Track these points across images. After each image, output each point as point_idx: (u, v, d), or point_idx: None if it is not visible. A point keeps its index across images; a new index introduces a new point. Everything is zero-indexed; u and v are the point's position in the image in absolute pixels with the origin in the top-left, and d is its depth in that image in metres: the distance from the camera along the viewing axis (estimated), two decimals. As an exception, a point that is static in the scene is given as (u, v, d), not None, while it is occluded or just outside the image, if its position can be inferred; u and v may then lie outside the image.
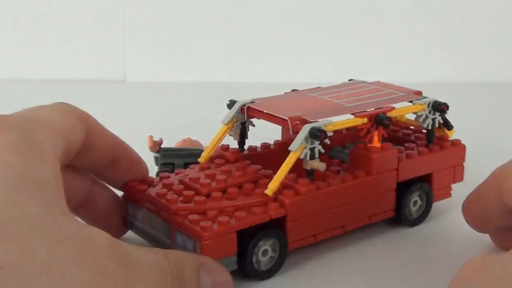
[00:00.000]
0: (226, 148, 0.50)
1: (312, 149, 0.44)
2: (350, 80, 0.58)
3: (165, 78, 1.00)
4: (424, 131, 0.56)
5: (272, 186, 0.43)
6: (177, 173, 0.48)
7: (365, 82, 0.56)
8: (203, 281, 0.38)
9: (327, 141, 0.44)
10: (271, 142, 0.53)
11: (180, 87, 0.97)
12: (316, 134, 0.44)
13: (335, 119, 0.46)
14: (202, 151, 0.58)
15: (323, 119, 0.45)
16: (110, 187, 0.47)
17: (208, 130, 0.71)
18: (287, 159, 0.44)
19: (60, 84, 0.96)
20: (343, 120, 0.46)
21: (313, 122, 0.45)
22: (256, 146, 0.52)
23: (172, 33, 1.01)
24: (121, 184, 0.47)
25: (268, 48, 1.02)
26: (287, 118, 0.45)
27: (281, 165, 0.52)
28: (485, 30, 1.02)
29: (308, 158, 0.44)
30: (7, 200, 0.31)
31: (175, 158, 0.57)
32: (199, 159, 0.49)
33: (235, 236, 0.41)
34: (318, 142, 0.44)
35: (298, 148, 0.44)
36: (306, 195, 0.44)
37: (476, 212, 0.45)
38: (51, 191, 0.33)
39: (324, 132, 0.44)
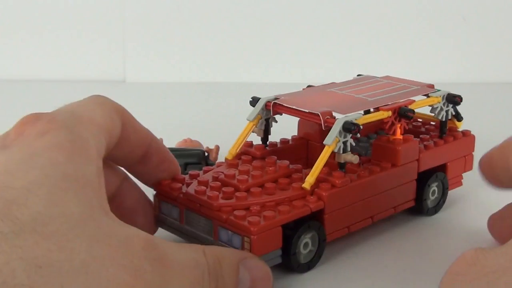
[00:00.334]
0: (250, 144, 0.51)
1: (344, 143, 0.45)
2: (358, 75, 0.59)
3: (165, 78, 0.99)
4: (432, 123, 0.58)
5: (310, 180, 0.44)
6: (205, 171, 0.48)
7: (375, 77, 0.58)
8: (242, 277, 0.38)
9: (358, 134, 0.46)
10: (280, 138, 0.53)
11: (180, 87, 0.97)
12: (350, 128, 0.45)
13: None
14: (203, 151, 0.59)
15: (352, 113, 0.46)
16: (140, 184, 0.47)
17: (208, 130, 0.71)
18: (323, 153, 0.45)
19: (60, 84, 0.95)
20: (371, 114, 0.48)
21: (344, 116, 0.46)
22: (276, 142, 0.53)
23: (172, 33, 1.01)
24: (152, 181, 0.47)
25: (268, 48, 1.03)
26: (319, 113, 0.46)
27: (301, 159, 0.53)
28: (485, 30, 1.04)
29: (341, 151, 0.45)
30: (49, 199, 0.31)
31: (175, 158, 0.58)
32: (226, 156, 0.50)
33: (280, 230, 0.42)
34: (350, 135, 0.45)
35: (333, 141, 0.45)
36: (342, 187, 0.45)
37: (489, 171, 0.46)
38: (93, 191, 0.34)
39: (358, 125, 0.45)
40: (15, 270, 0.28)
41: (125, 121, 0.42)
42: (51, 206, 0.31)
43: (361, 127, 0.45)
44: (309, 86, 0.55)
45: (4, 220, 0.29)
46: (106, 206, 0.35)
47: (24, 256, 0.28)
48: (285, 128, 0.53)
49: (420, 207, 0.52)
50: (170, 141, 0.60)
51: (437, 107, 0.53)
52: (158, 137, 0.59)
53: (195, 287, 0.35)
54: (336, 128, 0.45)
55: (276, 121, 0.52)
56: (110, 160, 0.44)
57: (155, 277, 0.33)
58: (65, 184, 0.32)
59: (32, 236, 0.29)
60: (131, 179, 0.47)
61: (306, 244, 0.44)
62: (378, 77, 0.57)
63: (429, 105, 0.52)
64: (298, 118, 0.52)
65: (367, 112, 0.50)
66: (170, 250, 0.34)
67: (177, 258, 0.34)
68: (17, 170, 0.32)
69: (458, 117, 0.55)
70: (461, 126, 0.56)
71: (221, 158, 0.50)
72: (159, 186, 0.47)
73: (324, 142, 0.45)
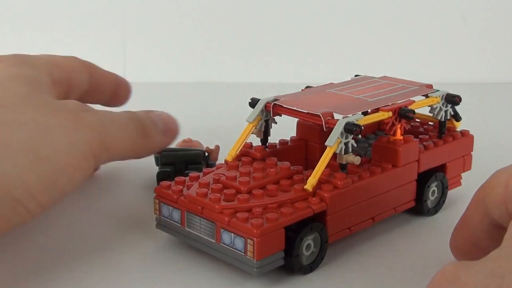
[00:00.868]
0: (249, 146, 0.51)
1: (346, 144, 0.45)
2: (356, 75, 0.59)
3: (165, 78, 0.99)
4: (431, 123, 0.58)
5: (312, 181, 0.44)
6: (205, 173, 0.48)
7: (373, 77, 0.58)
8: (156, 121, 0.52)
9: (359, 135, 0.46)
10: (279, 139, 0.53)
11: (180, 87, 0.96)
12: (352, 129, 0.45)
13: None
14: (203, 151, 0.58)
15: (353, 114, 0.46)
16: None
17: (208, 130, 0.71)
18: (324, 154, 0.45)
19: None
20: (372, 114, 0.47)
21: (345, 117, 0.46)
22: (275, 143, 0.53)
23: (172, 33, 1.00)
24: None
25: (267, 48, 1.02)
26: (320, 114, 0.46)
27: (300, 160, 0.53)
28: (485, 30, 1.03)
29: (343, 152, 0.45)
30: (2, 87, 0.44)
31: (175, 158, 0.57)
32: (226, 158, 0.49)
33: (283, 232, 0.42)
34: (351, 136, 0.45)
35: (334, 143, 0.44)
36: (344, 188, 0.45)
37: (464, 242, 0.43)
38: (41, 83, 0.47)
39: (360, 126, 0.45)
40: None
41: (93, 74, 0.56)
42: (2, 91, 0.44)
43: (362, 128, 0.45)
44: (307, 86, 0.55)
45: None
46: (54, 92, 0.48)
47: None
48: (283, 129, 0.53)
49: (420, 208, 0.52)
50: (170, 141, 0.60)
51: (436, 107, 0.53)
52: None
53: (126, 127, 0.48)
54: (338, 129, 0.45)
55: (275, 122, 0.51)
56: (90, 101, 0.56)
57: (93, 118, 0.45)
58: (16, 78, 0.46)
59: None
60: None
61: (308, 245, 0.44)
62: (376, 77, 0.57)
63: (428, 105, 0.52)
64: (296, 119, 0.52)
65: (365, 112, 0.50)
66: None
67: (104, 111, 0.48)
68: None
69: (456, 117, 0.55)
70: (459, 126, 0.56)
71: (220, 160, 0.50)
72: (159, 189, 0.46)
73: (326, 143, 0.45)
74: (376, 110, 0.48)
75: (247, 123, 0.50)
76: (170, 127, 0.53)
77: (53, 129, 0.42)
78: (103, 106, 0.59)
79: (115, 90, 0.59)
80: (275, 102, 0.49)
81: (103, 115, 0.46)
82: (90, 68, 0.56)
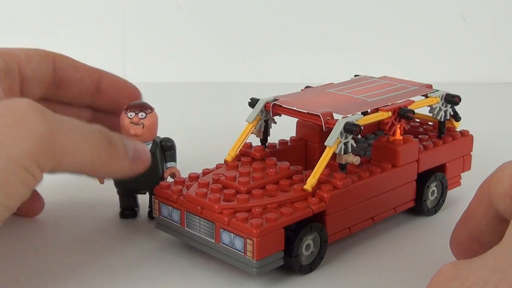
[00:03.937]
0: (249, 146, 0.51)
1: (345, 144, 0.45)
2: (356, 75, 0.59)
3: (165, 78, 0.99)
4: (430, 123, 0.58)
5: (312, 181, 0.44)
6: (205, 173, 0.48)
7: (373, 77, 0.58)
8: (128, 144, 0.44)
9: (359, 135, 0.46)
10: (278, 139, 0.53)
11: (180, 87, 0.96)
12: (352, 129, 0.45)
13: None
14: None
15: (353, 114, 0.46)
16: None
17: (208, 130, 0.71)
18: (324, 154, 0.45)
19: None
20: (371, 114, 0.47)
21: (345, 117, 0.46)
22: (275, 143, 0.53)
23: (172, 33, 1.01)
24: (119, 111, 0.50)
25: (267, 48, 1.02)
26: (319, 114, 0.46)
27: (300, 160, 0.53)
28: (485, 30, 1.04)
29: (342, 152, 0.45)
30: None
31: None
32: (225, 158, 0.49)
33: (283, 232, 0.42)
34: (351, 136, 0.45)
35: (334, 143, 0.44)
36: (343, 188, 0.45)
37: (466, 237, 0.42)
38: None
39: (359, 126, 0.45)
40: None
41: (61, 63, 0.50)
42: None
43: (362, 128, 0.45)
44: (307, 87, 0.55)
45: None
46: None
47: None
48: (283, 129, 0.53)
49: (420, 208, 0.52)
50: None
51: (436, 107, 0.53)
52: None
53: (89, 137, 0.40)
54: (337, 129, 0.45)
55: (275, 122, 0.51)
56: (66, 103, 0.51)
57: (42, 123, 0.37)
58: None
59: None
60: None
61: (308, 245, 0.44)
62: (376, 78, 0.57)
63: (428, 105, 0.52)
64: (296, 119, 0.52)
65: (365, 113, 0.50)
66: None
67: (66, 117, 0.40)
68: None
69: (456, 117, 0.55)
70: (459, 126, 0.56)
71: (220, 160, 0.50)
72: (159, 189, 0.46)
73: (325, 143, 0.45)
74: (376, 110, 0.48)
75: (247, 123, 0.50)
76: (140, 155, 0.45)
77: None
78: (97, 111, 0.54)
79: (96, 85, 0.52)
80: (274, 102, 0.49)
81: (59, 120, 0.39)
82: (56, 59, 0.50)
